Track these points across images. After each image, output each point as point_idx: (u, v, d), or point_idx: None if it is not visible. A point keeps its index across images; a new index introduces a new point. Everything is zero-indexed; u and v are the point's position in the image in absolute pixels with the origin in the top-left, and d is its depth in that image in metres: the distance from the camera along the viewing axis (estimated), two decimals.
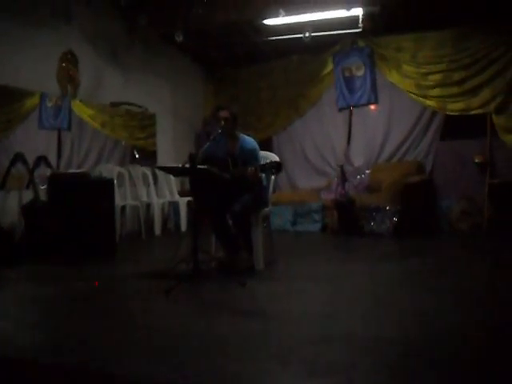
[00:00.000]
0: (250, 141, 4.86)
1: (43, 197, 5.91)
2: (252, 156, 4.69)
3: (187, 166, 4.21)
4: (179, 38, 7.63)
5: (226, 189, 4.59)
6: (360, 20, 7.43)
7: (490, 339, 2.70)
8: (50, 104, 7.08)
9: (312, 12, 7.25)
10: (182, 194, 8.16)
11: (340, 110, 8.74)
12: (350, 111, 8.68)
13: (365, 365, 2.34)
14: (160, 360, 2.46)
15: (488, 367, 2.30)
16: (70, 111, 7.32)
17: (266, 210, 4.99)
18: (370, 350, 2.52)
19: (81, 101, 7.43)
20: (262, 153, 5.04)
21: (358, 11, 7.26)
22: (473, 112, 7.70)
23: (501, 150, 7.57)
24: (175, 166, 4.81)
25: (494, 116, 7.54)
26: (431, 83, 7.97)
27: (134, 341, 2.81)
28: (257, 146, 4.86)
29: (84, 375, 2.38)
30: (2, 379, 2.54)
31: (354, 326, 2.95)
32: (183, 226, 7.92)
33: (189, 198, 7.54)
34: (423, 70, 8.03)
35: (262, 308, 3.51)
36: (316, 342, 2.67)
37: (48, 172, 6.05)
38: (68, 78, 7.10)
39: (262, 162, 4.55)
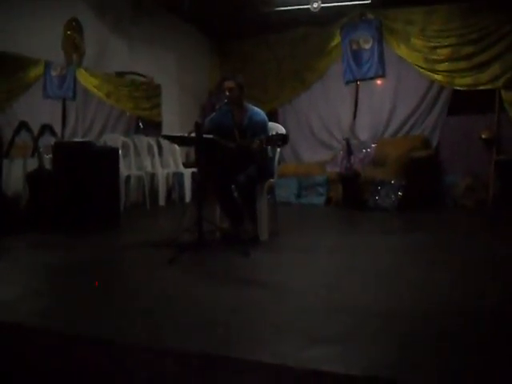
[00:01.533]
0: (259, 112, 4.82)
1: (48, 165, 5.90)
2: (261, 127, 4.65)
3: (193, 135, 4.19)
4: (185, 8, 7.54)
5: (231, 159, 4.57)
6: None
7: (494, 312, 2.69)
8: (54, 73, 7.04)
9: None
10: (186, 165, 8.14)
11: (347, 83, 8.66)
12: (357, 85, 8.60)
13: (366, 336, 2.33)
14: (163, 328, 2.47)
15: (491, 341, 2.29)
16: (75, 80, 7.28)
17: (272, 181, 4.98)
18: (371, 322, 2.51)
19: (86, 70, 7.38)
20: (270, 124, 5.00)
21: None
22: (481, 87, 7.61)
23: (508, 126, 7.50)
24: (181, 134, 4.78)
25: (502, 92, 7.47)
26: (440, 57, 7.87)
27: (137, 309, 2.82)
28: (266, 118, 4.82)
29: (88, 342, 2.39)
30: (6, 343, 2.55)
31: (356, 298, 2.94)
32: (187, 197, 7.92)
33: (193, 170, 7.52)
34: (432, 44, 7.93)
35: (265, 278, 3.51)
36: (317, 312, 2.67)
37: (53, 141, 6.03)
38: (73, 47, 7.04)
39: (269, 134, 4.53)
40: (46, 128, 6.07)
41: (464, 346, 2.20)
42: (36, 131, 5.98)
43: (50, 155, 5.90)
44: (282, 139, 4.29)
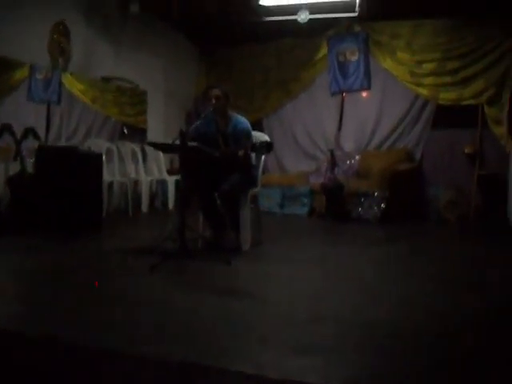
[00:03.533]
0: (243, 120, 4.84)
1: (30, 169, 5.84)
2: (245, 135, 4.68)
3: (177, 142, 4.18)
4: (174, 15, 7.54)
5: (215, 167, 4.57)
6: (357, 4, 7.37)
7: (475, 323, 2.71)
8: (39, 76, 6.98)
9: None
10: (170, 172, 8.11)
11: (332, 94, 8.69)
12: (343, 96, 8.64)
13: (350, 346, 2.33)
14: (145, 336, 2.44)
15: (474, 351, 2.30)
16: (60, 84, 7.22)
17: (255, 190, 4.97)
18: (355, 332, 2.52)
19: (71, 74, 7.33)
20: (253, 132, 5.01)
21: None
22: (465, 102, 7.69)
23: (491, 141, 7.56)
24: (166, 142, 4.77)
25: (485, 107, 7.54)
26: (425, 71, 7.94)
27: (117, 316, 2.79)
28: (250, 126, 4.84)
29: (68, 348, 2.36)
30: None
31: (338, 309, 2.94)
32: (170, 205, 7.88)
33: (177, 177, 7.49)
34: (418, 58, 7.99)
35: (247, 288, 3.49)
36: (301, 323, 2.67)
37: (36, 145, 5.97)
38: (59, 51, 6.99)
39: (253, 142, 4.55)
40: (30, 131, 6.00)
41: (448, 357, 2.20)
42: (19, 134, 5.92)
43: (33, 159, 5.84)
44: (267, 147, 4.32)
